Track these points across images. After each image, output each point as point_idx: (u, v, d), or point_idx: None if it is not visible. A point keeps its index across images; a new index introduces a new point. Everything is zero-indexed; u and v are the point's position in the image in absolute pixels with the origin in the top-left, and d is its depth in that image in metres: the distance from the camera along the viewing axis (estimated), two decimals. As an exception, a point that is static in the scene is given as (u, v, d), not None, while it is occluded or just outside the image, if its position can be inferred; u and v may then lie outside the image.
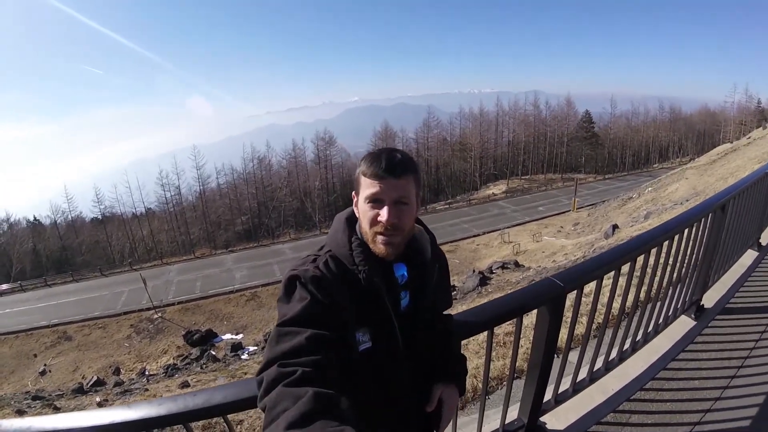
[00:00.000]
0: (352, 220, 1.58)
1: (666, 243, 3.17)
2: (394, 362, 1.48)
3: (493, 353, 4.73)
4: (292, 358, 1.20)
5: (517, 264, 28.91)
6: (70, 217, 73.73)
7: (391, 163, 1.44)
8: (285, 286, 1.41)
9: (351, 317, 1.40)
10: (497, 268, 28.25)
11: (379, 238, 1.45)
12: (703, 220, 3.58)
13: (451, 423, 2.49)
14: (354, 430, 1.00)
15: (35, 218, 76.41)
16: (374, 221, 1.45)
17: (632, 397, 3.25)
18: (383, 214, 1.43)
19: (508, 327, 5.34)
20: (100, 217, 73.25)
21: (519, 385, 2.89)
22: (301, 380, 1.13)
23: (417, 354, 1.56)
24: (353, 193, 1.56)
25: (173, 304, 36.37)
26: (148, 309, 35.62)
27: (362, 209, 1.49)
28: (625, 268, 2.94)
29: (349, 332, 1.40)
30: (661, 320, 3.66)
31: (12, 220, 74.54)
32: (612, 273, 2.86)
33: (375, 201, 1.44)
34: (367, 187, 1.45)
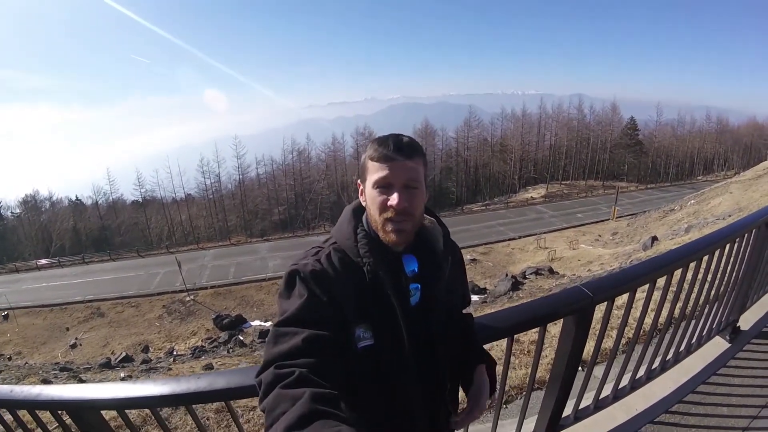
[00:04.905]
0: (358, 211, 1.52)
1: (705, 258, 2.99)
2: (399, 360, 1.40)
3: (516, 361, 4.64)
4: (289, 359, 1.16)
5: (551, 271, 28.62)
6: (111, 198, 75.83)
7: (399, 145, 1.38)
8: (285, 280, 1.37)
9: (352, 313, 1.34)
10: (531, 274, 28.05)
11: (390, 225, 1.38)
12: (746, 235, 3.36)
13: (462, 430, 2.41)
14: (352, 430, 0.97)
15: (77, 198, 78.46)
16: (384, 207, 1.38)
17: (656, 420, 3.09)
18: (393, 198, 1.36)
19: (534, 335, 5.21)
20: (140, 200, 74.81)
21: (538, 396, 2.79)
22: (299, 381, 1.09)
23: (427, 353, 1.47)
24: (358, 181, 1.49)
25: (206, 288, 37.02)
26: (181, 291, 36.25)
27: (370, 195, 1.42)
28: (660, 282, 2.77)
29: (349, 328, 1.34)
30: (694, 340, 3.48)
31: (54, 198, 76.78)
32: (646, 286, 2.71)
33: (384, 186, 1.39)
34: (375, 172, 1.39)
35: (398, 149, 1.37)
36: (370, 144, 1.44)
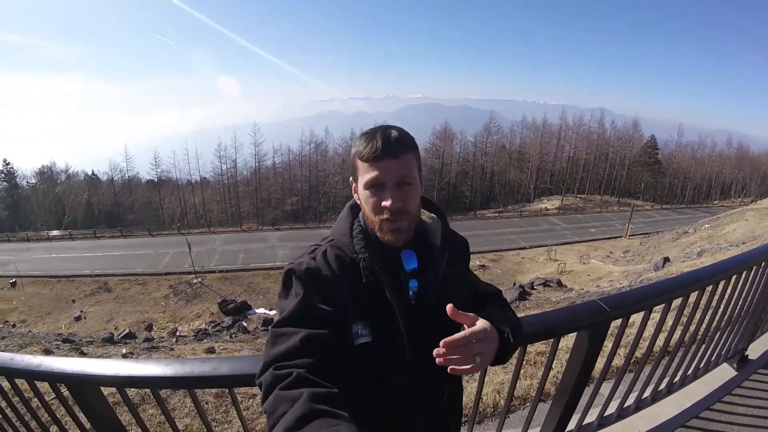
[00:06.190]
0: (356, 207, 1.49)
1: (722, 283, 2.94)
2: (397, 358, 1.37)
3: (521, 371, 4.59)
4: (287, 360, 1.15)
5: (560, 283, 28.56)
6: (126, 175, 76.73)
7: (388, 141, 1.32)
8: (283, 280, 1.35)
9: (350, 309, 1.32)
10: (539, 285, 27.99)
11: (386, 225, 1.35)
12: (762, 264, 3.30)
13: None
14: (351, 427, 0.96)
15: (93, 173, 79.19)
16: (378, 208, 1.34)
17: (658, 443, 3.05)
18: (387, 200, 1.32)
19: (540, 346, 5.18)
20: (155, 179, 75.46)
21: (543, 408, 2.75)
22: (297, 382, 1.08)
23: (426, 351, 1.37)
24: (351, 179, 1.46)
25: (214, 272, 37.15)
26: (189, 273, 36.47)
27: (363, 196, 1.38)
28: (674, 303, 2.72)
29: (347, 326, 1.32)
30: (702, 365, 3.43)
31: (71, 171, 77.57)
32: (661, 306, 2.66)
33: (376, 186, 1.34)
34: (366, 172, 1.35)
35: (387, 146, 1.32)
36: (357, 140, 1.39)
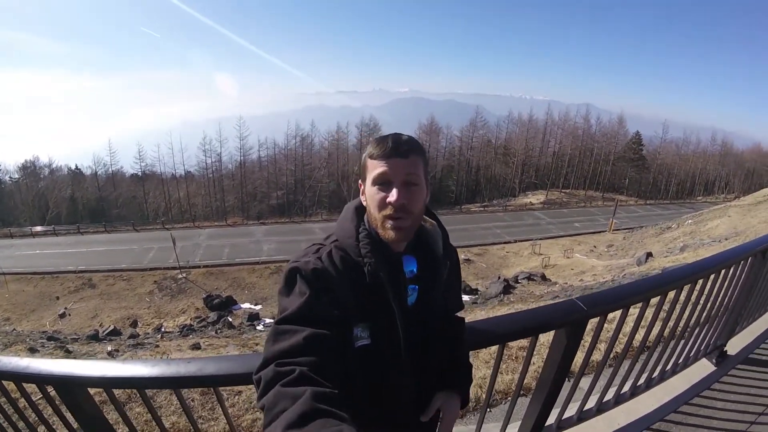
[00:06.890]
0: (361, 210, 1.51)
1: (700, 281, 2.99)
2: (395, 361, 1.40)
3: (503, 366, 4.64)
4: (289, 357, 1.15)
5: (543, 277, 28.73)
6: (110, 170, 75.78)
7: (397, 142, 1.38)
8: (285, 278, 1.35)
9: (351, 312, 1.34)
10: (523, 279, 28.16)
11: (389, 222, 1.37)
12: (741, 262, 3.36)
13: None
14: (352, 429, 0.96)
15: (77, 167, 78.30)
16: (383, 204, 1.37)
17: (637, 436, 3.10)
18: (392, 195, 1.35)
19: (523, 341, 5.22)
20: (139, 173, 74.81)
21: (523, 403, 2.79)
22: (300, 380, 1.08)
23: (422, 354, 1.48)
24: (359, 181, 1.49)
25: (198, 267, 36.94)
26: (174, 268, 36.18)
27: (370, 193, 1.41)
28: (653, 301, 2.78)
29: (348, 327, 1.34)
30: (680, 360, 3.48)
31: (54, 165, 76.72)
32: (639, 304, 2.71)
33: (383, 183, 1.38)
34: (374, 169, 1.38)
35: (397, 146, 1.37)
36: (369, 143, 1.44)
